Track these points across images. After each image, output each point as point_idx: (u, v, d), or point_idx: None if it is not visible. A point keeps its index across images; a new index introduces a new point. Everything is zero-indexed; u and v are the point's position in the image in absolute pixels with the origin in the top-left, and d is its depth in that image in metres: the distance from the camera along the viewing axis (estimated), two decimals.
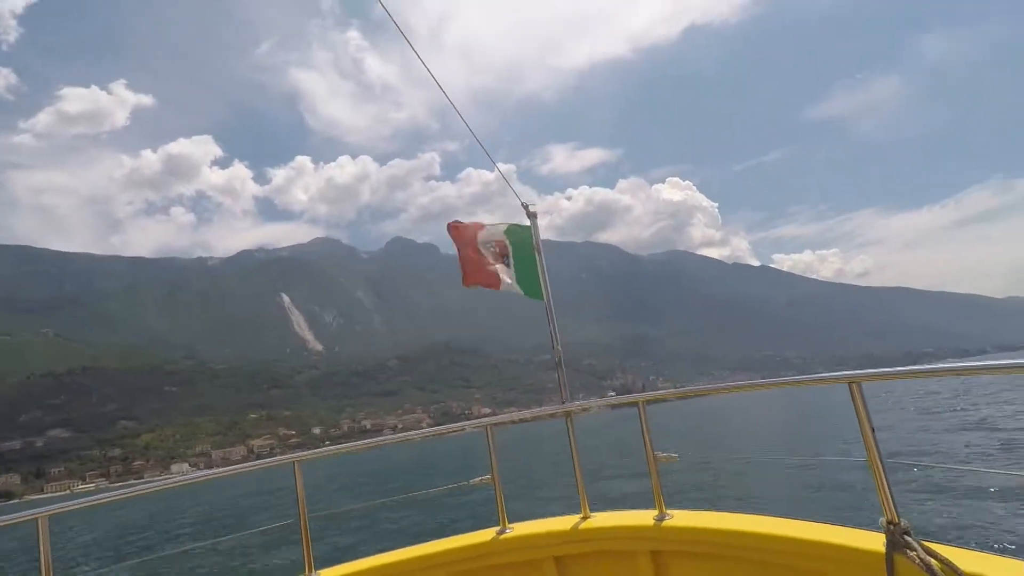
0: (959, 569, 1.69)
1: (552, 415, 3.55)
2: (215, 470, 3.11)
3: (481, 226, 3.88)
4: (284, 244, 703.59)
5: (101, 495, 2.83)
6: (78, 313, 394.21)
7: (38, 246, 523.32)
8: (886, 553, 1.87)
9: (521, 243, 3.85)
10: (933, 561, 1.74)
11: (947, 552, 1.80)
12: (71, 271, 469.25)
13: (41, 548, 2.47)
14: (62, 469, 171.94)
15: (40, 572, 2.44)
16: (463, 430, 4.02)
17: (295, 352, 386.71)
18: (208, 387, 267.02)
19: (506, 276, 3.81)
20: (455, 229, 3.88)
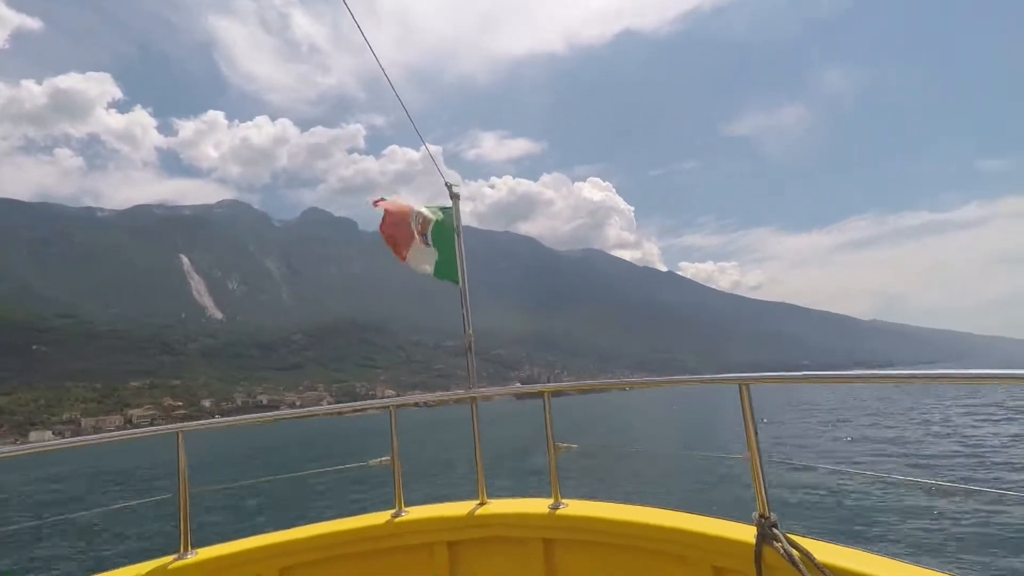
0: (815, 559, 1.86)
1: (458, 400, 3.56)
2: (82, 437, 2.87)
3: (409, 208, 3.75)
4: (188, 202, 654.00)
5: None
6: None
7: None
8: (756, 544, 2.03)
9: (442, 224, 3.78)
10: (795, 552, 1.90)
11: (808, 544, 1.96)
12: None
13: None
14: None
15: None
16: (366, 410, 3.91)
17: (191, 318, 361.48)
18: (86, 349, 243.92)
19: (420, 254, 3.72)
20: (385, 208, 3.70)
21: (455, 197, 3.80)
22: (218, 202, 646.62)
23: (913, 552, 10.12)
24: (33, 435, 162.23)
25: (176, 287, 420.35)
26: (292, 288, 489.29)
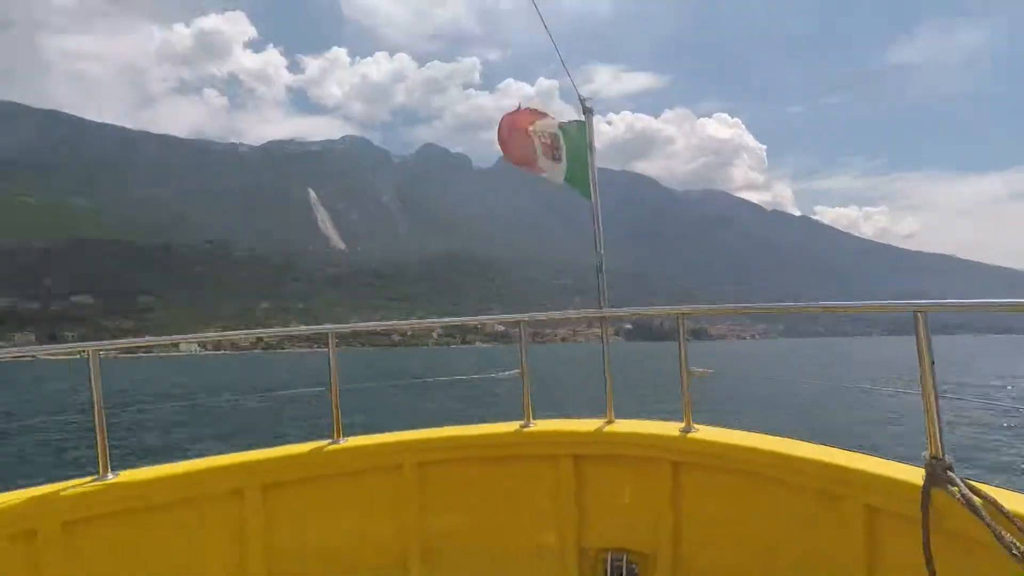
0: (1003, 506, 1.66)
1: (590, 319, 3.55)
2: (254, 330, 3.03)
3: (536, 114, 3.78)
4: (315, 139, 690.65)
5: (148, 338, 3.40)
6: (106, 184, 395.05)
7: (68, 112, 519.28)
8: (924, 486, 1.86)
9: (574, 140, 3.79)
10: (976, 498, 1.70)
11: (992, 492, 1.76)
12: (101, 142, 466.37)
13: (92, 380, 2.62)
14: (75, 334, 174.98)
15: (93, 403, 2.61)
16: (496, 323, 3.96)
17: (317, 249, 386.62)
18: (228, 273, 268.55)
19: (552, 170, 3.77)
20: (510, 117, 3.80)
21: (588, 112, 3.74)
22: (342, 138, 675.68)
23: None
24: (182, 346, 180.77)
25: (304, 219, 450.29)
26: (409, 222, 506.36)
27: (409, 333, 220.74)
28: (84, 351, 2.73)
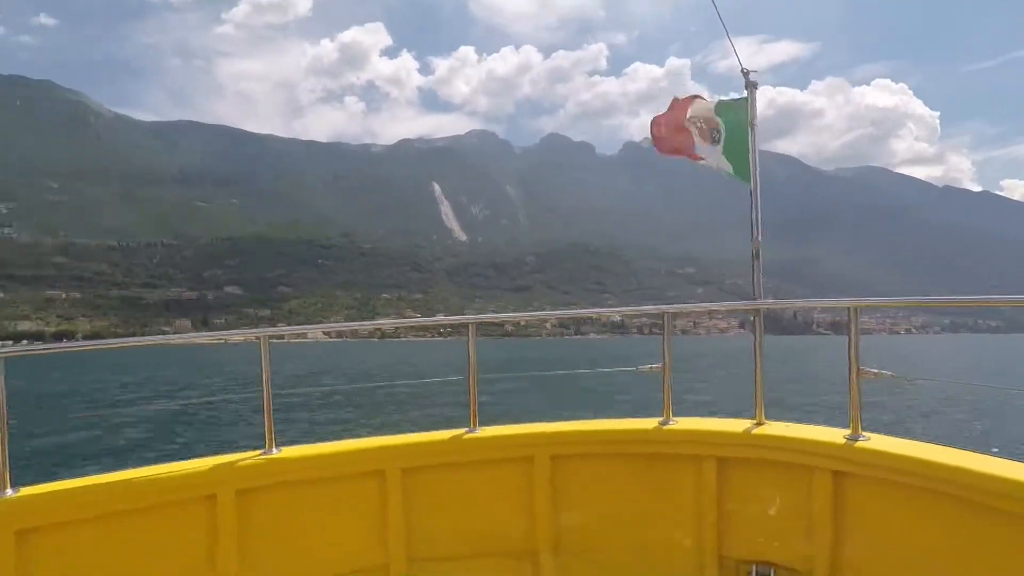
0: None
1: (740, 310, 3.40)
2: (402, 319, 4.56)
3: (691, 101, 3.49)
4: (442, 135, 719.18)
5: (314, 325, 3.79)
6: (257, 188, 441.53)
7: (235, 126, 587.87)
8: None
9: (734, 119, 3.42)
10: None
11: None
12: (258, 150, 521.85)
13: (263, 363, 2.78)
14: (223, 321, 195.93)
15: (262, 384, 2.79)
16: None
17: (440, 239, 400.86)
18: (355, 264, 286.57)
19: (711, 155, 3.47)
20: (666, 116, 3.53)
21: (751, 86, 3.35)
22: (467, 133, 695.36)
23: None
24: (309, 334, 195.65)
25: (429, 211, 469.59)
26: (529, 212, 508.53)
27: (523, 323, 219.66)
28: (258, 337, 2.87)
